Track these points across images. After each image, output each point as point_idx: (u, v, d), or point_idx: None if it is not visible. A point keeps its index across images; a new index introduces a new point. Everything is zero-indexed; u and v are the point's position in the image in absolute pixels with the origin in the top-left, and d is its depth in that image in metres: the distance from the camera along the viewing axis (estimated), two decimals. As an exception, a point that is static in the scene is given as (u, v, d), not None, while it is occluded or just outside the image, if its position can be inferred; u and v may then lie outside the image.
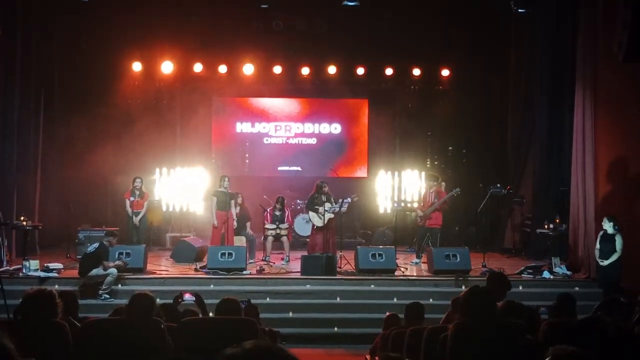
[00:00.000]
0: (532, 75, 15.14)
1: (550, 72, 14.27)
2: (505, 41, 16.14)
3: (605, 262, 11.07)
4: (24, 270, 11.62)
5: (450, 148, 17.18)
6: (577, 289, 11.27)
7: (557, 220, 13.30)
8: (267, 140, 18.09)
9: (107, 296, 10.82)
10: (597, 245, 11.27)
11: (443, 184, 14.31)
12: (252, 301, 8.35)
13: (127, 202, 14.33)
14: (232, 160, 17.54)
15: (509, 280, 6.83)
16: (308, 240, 15.18)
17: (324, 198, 13.39)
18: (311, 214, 13.53)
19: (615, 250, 11.00)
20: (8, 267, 11.91)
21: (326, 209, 13.21)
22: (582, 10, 12.67)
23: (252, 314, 6.90)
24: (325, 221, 13.17)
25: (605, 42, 11.93)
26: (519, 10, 14.83)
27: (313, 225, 13.62)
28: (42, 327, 4.91)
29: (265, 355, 1.93)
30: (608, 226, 11.11)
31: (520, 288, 11.47)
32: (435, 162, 17.35)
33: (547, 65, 14.35)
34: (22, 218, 12.69)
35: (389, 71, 17.36)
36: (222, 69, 17.09)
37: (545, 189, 14.57)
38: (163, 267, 12.98)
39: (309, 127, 18.19)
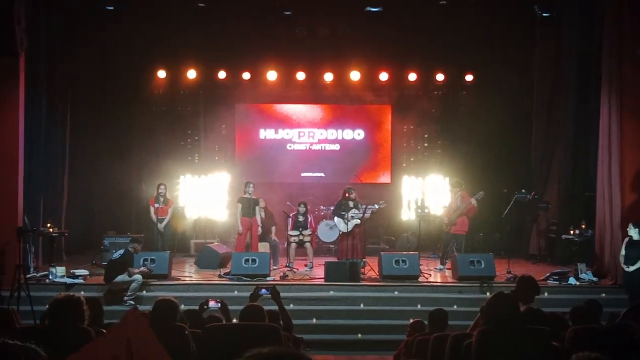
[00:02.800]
0: (557, 79, 15.03)
1: (575, 76, 14.15)
2: (530, 45, 16.03)
3: (631, 268, 10.96)
4: (50, 277, 11.74)
5: (475, 153, 17.08)
6: (603, 295, 11.14)
7: (583, 226, 13.17)
8: (290, 146, 18.12)
9: (132, 302, 10.89)
10: (623, 252, 11.16)
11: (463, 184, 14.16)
12: (276, 308, 8.32)
13: (152, 209, 14.43)
14: (256, 166, 17.59)
15: (539, 285, 6.78)
16: (332, 246, 15.20)
17: (351, 204, 13.40)
18: (337, 219, 13.55)
19: (640, 257, 10.89)
20: (35, 274, 12.02)
21: (352, 214, 13.23)
22: (608, 13, 12.56)
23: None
24: (350, 227, 13.16)
25: (632, 44, 11.83)
26: (543, 15, 14.72)
27: (340, 231, 13.62)
28: (69, 333, 4.95)
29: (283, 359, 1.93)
30: (634, 232, 10.99)
31: (546, 294, 11.37)
32: (459, 168, 17.22)
33: (572, 70, 14.23)
34: (48, 225, 12.84)
35: (412, 76, 17.31)
36: (246, 75, 17.16)
37: (571, 194, 14.44)
38: (187, 273, 13.04)
39: (332, 133, 18.19)
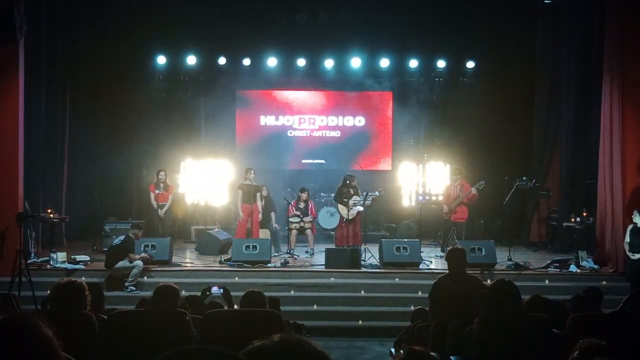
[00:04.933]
0: (559, 66, 14.96)
1: (577, 63, 14.10)
2: (531, 32, 15.95)
3: (637, 256, 10.93)
4: (51, 262, 11.75)
5: (476, 140, 17.05)
6: (604, 282, 11.15)
7: (584, 214, 13.15)
8: (291, 133, 18.09)
9: (133, 288, 10.91)
10: (627, 239, 11.12)
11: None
12: (277, 294, 8.34)
13: (152, 195, 14.43)
14: (257, 153, 17.55)
15: (464, 250, 7.00)
16: (332, 233, 15.19)
17: (351, 191, 13.38)
18: (340, 206, 13.54)
19: (645, 244, 10.86)
20: (36, 259, 12.03)
21: (354, 201, 13.22)
22: (610, -1, 12.52)
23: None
24: (353, 214, 13.17)
25: (634, 31, 11.78)
26: (545, 1, 14.66)
27: (341, 217, 13.59)
28: (71, 318, 4.95)
29: (295, 348, 1.92)
30: (639, 219, 10.96)
31: (547, 282, 11.40)
32: (460, 155, 17.20)
33: (574, 56, 14.17)
34: (49, 210, 12.84)
35: (413, 63, 17.28)
36: (246, 62, 17.12)
37: (572, 182, 14.41)
38: (188, 259, 13.06)
39: (333, 120, 18.15)
